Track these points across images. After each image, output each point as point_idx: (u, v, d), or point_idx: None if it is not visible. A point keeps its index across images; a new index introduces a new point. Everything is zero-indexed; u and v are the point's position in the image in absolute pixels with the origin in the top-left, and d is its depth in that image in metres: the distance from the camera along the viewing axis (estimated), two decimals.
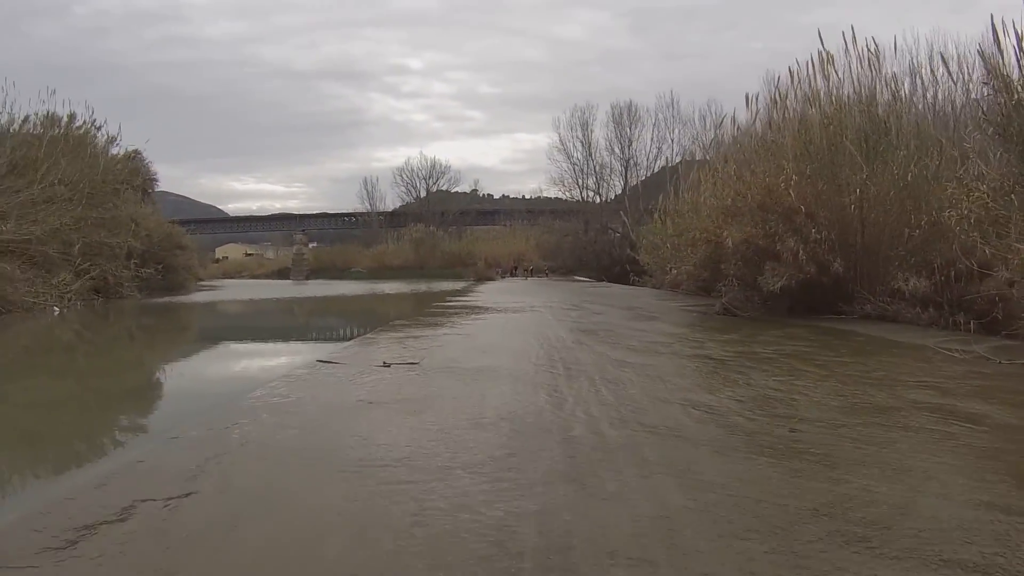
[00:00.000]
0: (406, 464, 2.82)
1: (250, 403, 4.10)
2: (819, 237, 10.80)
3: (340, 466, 2.80)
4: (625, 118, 52.87)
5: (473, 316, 11.26)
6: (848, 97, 12.01)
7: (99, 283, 21.79)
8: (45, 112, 23.86)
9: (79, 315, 15.36)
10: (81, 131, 25.56)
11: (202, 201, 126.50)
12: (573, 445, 3.09)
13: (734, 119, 17.17)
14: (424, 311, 13.25)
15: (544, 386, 4.51)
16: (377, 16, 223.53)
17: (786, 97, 12.68)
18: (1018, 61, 8.12)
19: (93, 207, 22.50)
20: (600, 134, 54.90)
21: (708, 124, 42.09)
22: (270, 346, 10.40)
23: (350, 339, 9.15)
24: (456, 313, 11.99)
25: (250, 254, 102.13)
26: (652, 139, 52.36)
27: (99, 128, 26.70)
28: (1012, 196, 7.72)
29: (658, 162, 51.75)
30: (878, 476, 2.62)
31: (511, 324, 9.58)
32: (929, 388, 4.43)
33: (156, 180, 51.86)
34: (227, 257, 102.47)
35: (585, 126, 54.40)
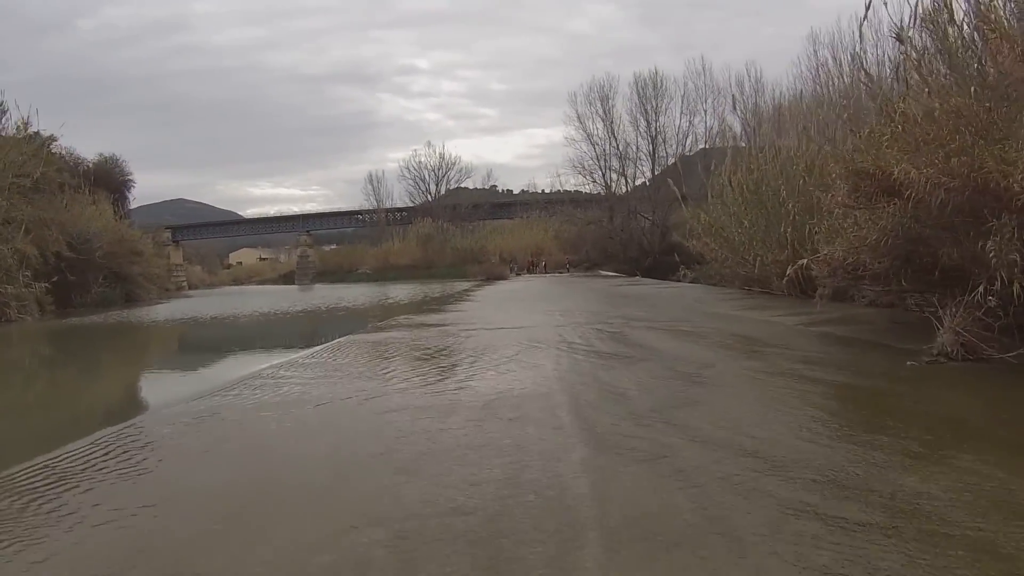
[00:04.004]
0: None
1: None
2: None
3: None
4: (650, 89, 45.33)
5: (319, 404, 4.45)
6: None
7: None
8: None
9: None
10: None
11: (220, 207, 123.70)
12: None
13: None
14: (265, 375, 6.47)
15: None
16: (385, 18, 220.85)
17: None
18: None
19: None
20: (623, 109, 47.31)
21: (748, 89, 35.36)
22: None
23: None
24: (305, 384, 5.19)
25: (264, 258, 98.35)
26: (682, 111, 44.76)
27: (5, 111, 20.89)
28: None
29: (689, 139, 44.32)
30: None
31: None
32: None
33: (131, 181, 47.04)
34: (240, 263, 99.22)
35: (605, 100, 46.94)
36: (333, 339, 8.47)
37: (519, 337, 7.08)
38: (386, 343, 7.29)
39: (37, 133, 22.33)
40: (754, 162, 15.14)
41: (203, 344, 12.88)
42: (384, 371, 5.21)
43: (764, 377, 4.52)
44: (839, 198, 7.73)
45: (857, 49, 9.17)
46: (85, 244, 23.84)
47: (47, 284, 19.29)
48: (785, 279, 9.03)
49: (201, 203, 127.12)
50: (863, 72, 9.73)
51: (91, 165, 39.20)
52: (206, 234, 79.39)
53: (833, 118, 14.60)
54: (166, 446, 3.30)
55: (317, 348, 7.19)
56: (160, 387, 6.77)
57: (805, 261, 8.47)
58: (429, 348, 6.58)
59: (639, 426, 3.20)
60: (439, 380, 4.64)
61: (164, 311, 21.14)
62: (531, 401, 3.83)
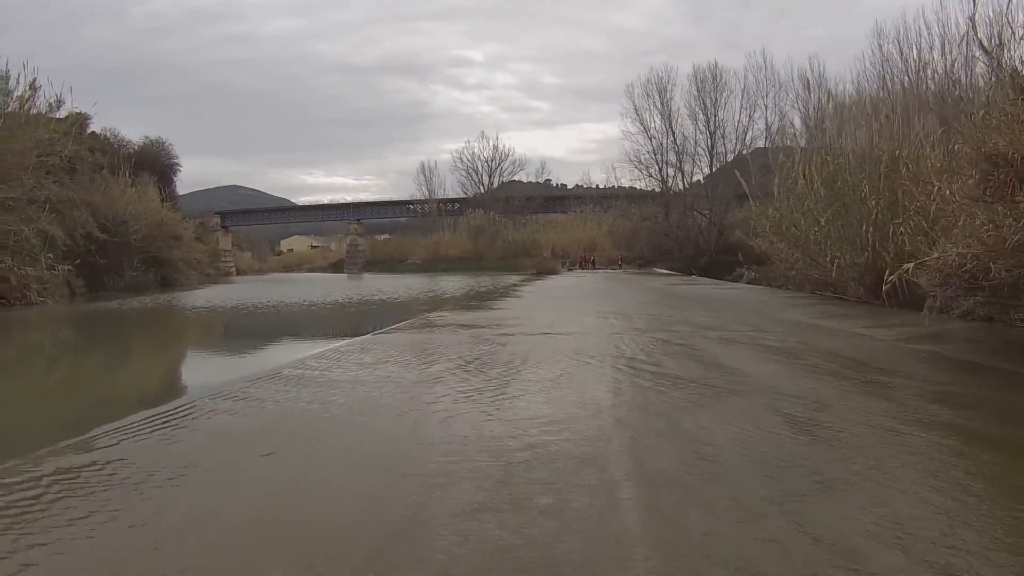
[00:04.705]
0: None
1: None
2: None
3: None
4: (709, 83, 43.38)
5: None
6: None
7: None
8: None
9: None
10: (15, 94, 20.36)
11: (274, 194, 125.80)
12: None
13: None
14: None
15: None
16: (433, 10, 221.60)
17: None
18: None
19: None
20: (681, 102, 45.44)
21: (811, 85, 33.23)
22: None
23: None
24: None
25: (315, 246, 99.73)
26: (742, 106, 42.66)
27: (36, 89, 20.58)
28: None
29: (749, 133, 42.24)
30: None
31: None
32: None
33: (177, 165, 47.27)
34: (292, 249, 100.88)
35: (663, 93, 45.18)
36: (350, 338, 7.45)
37: (566, 347, 5.81)
38: (405, 349, 6.10)
39: (78, 113, 21.97)
40: (829, 154, 13.55)
41: (198, 338, 11.88)
42: (382, 396, 3.99)
43: (904, 429, 3.14)
44: (966, 189, 6.25)
45: (973, 14, 7.57)
46: (120, 227, 23.44)
47: (70, 266, 18.86)
48: (886, 286, 7.54)
49: (255, 190, 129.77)
50: (977, 42, 8.13)
51: (136, 148, 39.26)
52: (257, 220, 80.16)
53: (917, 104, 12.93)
54: None
55: (320, 351, 6.05)
56: (83, 403, 5.66)
57: (911, 266, 7.02)
58: (453, 360, 5.35)
59: (757, 539, 1.88)
60: (448, 416, 3.38)
61: (192, 298, 20.50)
62: (575, 469, 2.50)
